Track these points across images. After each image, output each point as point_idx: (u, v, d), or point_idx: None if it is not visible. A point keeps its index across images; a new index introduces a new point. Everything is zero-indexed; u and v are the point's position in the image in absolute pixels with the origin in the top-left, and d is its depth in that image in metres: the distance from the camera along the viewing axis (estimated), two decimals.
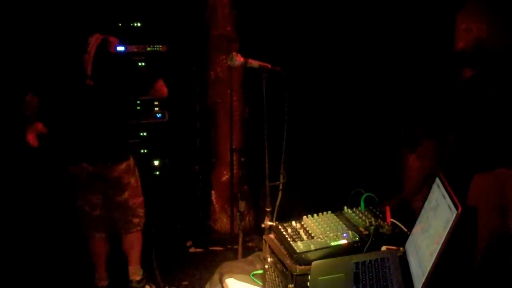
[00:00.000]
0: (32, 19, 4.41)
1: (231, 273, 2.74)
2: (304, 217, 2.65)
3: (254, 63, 2.77)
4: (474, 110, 2.70)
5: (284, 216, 2.78)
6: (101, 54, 3.61)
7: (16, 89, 4.08)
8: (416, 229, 2.27)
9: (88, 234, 3.95)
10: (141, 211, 3.95)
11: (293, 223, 2.62)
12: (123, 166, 3.78)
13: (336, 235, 2.43)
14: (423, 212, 2.25)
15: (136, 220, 3.91)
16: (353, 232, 2.45)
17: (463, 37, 2.71)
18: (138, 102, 4.63)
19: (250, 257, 2.98)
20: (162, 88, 3.85)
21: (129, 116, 3.96)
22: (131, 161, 3.86)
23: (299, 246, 2.35)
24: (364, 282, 2.07)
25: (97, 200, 3.83)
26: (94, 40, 3.61)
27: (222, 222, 5.18)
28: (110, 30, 4.43)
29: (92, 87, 3.60)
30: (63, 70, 3.64)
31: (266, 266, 2.58)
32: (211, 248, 4.94)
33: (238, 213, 4.04)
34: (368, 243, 2.35)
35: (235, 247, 4.31)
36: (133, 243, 3.98)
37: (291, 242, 2.40)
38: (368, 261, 2.20)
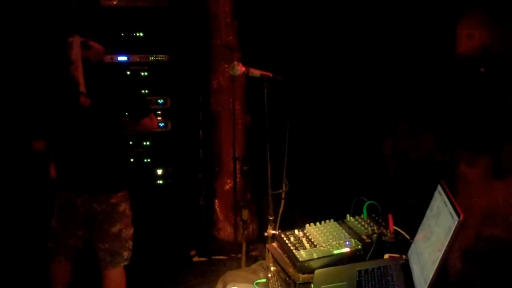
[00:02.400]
0: (26, 26, 4.22)
1: (235, 282, 2.73)
2: (307, 225, 2.66)
3: (256, 72, 2.78)
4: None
5: (287, 225, 2.78)
6: (96, 66, 3.17)
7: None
8: (419, 236, 2.27)
9: (52, 257, 3.45)
10: (130, 244, 3.51)
11: (296, 231, 2.63)
12: (121, 193, 3.40)
13: (339, 243, 2.43)
14: (425, 219, 2.25)
15: (125, 254, 3.48)
16: (356, 240, 2.45)
17: (465, 43, 2.72)
18: None
19: (253, 266, 2.98)
20: (153, 120, 3.46)
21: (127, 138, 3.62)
22: (128, 192, 3.48)
23: (301, 255, 2.35)
24: None
25: (77, 231, 3.38)
26: (76, 46, 3.06)
27: (226, 231, 5.18)
28: (113, 40, 4.49)
29: (88, 107, 3.11)
30: (51, 87, 3.20)
31: (269, 275, 2.58)
32: (214, 257, 4.94)
33: (241, 222, 4.04)
34: (371, 251, 2.35)
35: (239, 256, 4.30)
36: (118, 282, 3.52)
37: (294, 251, 2.41)
38: (370, 269, 2.20)
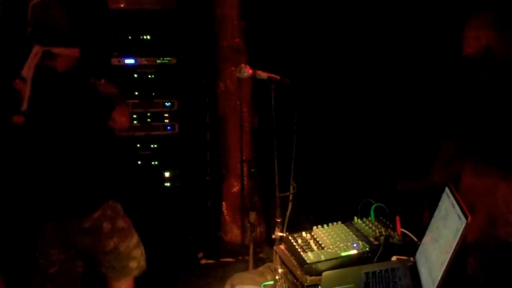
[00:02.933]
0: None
1: (242, 284, 2.74)
2: (314, 227, 2.66)
3: (263, 74, 2.78)
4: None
5: (295, 227, 2.79)
6: (43, 79, 2.75)
7: None
8: (426, 238, 2.27)
9: None
10: (137, 252, 3.17)
11: (304, 233, 2.63)
12: (96, 214, 2.95)
13: (346, 246, 2.43)
14: (433, 221, 2.25)
15: (133, 264, 3.15)
16: (363, 242, 2.45)
17: (471, 44, 2.72)
18: (149, 114, 4.66)
19: (261, 268, 2.98)
20: (121, 117, 3.00)
21: (97, 150, 2.98)
22: (109, 205, 3.03)
23: (309, 257, 2.36)
24: None
25: (58, 255, 3.00)
26: (32, 57, 2.74)
27: (233, 233, 5.18)
28: (120, 43, 4.51)
29: (26, 124, 2.74)
30: None
31: (277, 277, 2.58)
32: (222, 260, 4.93)
33: (249, 224, 4.04)
34: (378, 253, 2.36)
35: (246, 258, 4.30)
36: None
37: (302, 253, 2.41)
38: (378, 271, 2.21)
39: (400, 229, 2.52)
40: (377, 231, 2.56)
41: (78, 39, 2.88)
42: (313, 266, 2.30)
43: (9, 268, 3.72)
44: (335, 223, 2.70)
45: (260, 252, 4.81)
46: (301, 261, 2.35)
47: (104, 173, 3.03)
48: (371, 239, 2.48)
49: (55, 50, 2.80)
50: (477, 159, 2.69)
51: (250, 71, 2.75)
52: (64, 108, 2.79)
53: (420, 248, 2.30)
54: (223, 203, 5.22)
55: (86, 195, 2.95)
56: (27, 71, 2.72)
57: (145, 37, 4.63)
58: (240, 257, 4.77)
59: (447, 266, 1.83)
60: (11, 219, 3.62)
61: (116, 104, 2.95)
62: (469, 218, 1.78)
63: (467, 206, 1.89)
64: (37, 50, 2.74)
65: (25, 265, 3.20)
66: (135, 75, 4.57)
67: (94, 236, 2.99)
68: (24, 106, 2.70)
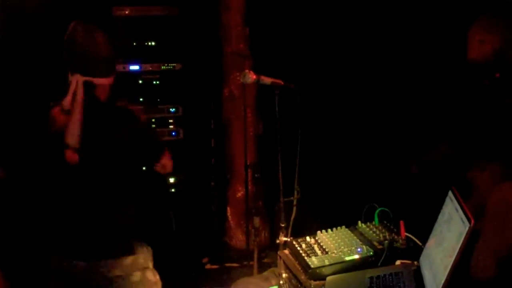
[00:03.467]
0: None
1: None
2: (318, 232, 2.67)
3: (267, 80, 2.79)
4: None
5: (299, 232, 2.79)
6: (93, 113, 2.58)
7: None
8: (430, 242, 2.28)
9: None
10: None
11: (308, 238, 2.64)
12: (129, 260, 2.68)
13: (350, 250, 2.44)
14: (436, 225, 2.25)
15: None
16: (367, 247, 2.45)
17: (476, 48, 2.72)
18: (153, 120, 4.68)
19: (265, 273, 3.00)
20: (169, 162, 2.95)
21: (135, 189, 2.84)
22: (143, 252, 2.78)
23: (313, 262, 2.36)
24: None
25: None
26: (74, 89, 2.50)
27: (238, 238, 5.18)
28: (125, 49, 4.53)
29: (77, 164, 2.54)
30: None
31: (281, 282, 2.59)
32: (226, 265, 4.94)
33: (253, 229, 4.05)
34: (382, 258, 2.36)
35: (251, 263, 4.31)
36: None
37: (306, 258, 2.42)
38: (382, 275, 2.21)
39: (404, 233, 2.52)
40: (381, 235, 2.56)
41: (115, 66, 2.75)
42: (317, 271, 2.30)
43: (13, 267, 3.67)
44: (339, 227, 2.71)
45: (264, 257, 4.82)
46: (305, 266, 2.36)
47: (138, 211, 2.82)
48: (375, 243, 2.48)
49: (97, 81, 2.59)
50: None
51: (254, 76, 2.76)
52: (118, 144, 2.64)
53: (424, 252, 2.31)
54: (228, 208, 5.23)
55: (125, 235, 2.71)
56: (73, 104, 2.50)
57: (149, 43, 4.66)
58: (245, 262, 4.77)
59: (450, 270, 1.83)
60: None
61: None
62: (472, 222, 1.79)
63: (480, 206, 1.89)
64: (77, 80, 2.52)
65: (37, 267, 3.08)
66: (140, 81, 4.60)
67: (120, 285, 2.68)
68: (70, 141, 2.49)
